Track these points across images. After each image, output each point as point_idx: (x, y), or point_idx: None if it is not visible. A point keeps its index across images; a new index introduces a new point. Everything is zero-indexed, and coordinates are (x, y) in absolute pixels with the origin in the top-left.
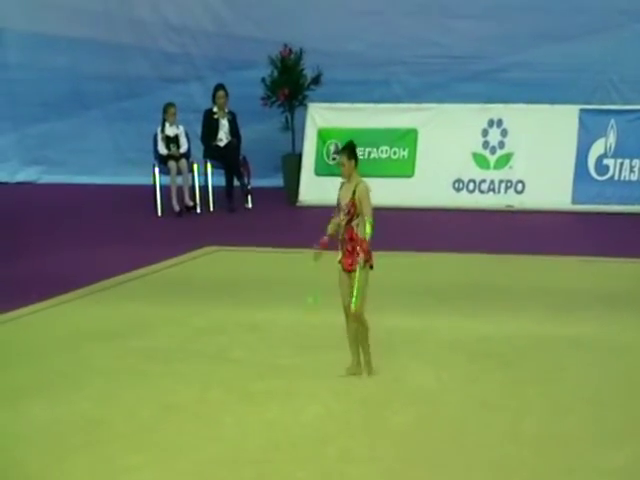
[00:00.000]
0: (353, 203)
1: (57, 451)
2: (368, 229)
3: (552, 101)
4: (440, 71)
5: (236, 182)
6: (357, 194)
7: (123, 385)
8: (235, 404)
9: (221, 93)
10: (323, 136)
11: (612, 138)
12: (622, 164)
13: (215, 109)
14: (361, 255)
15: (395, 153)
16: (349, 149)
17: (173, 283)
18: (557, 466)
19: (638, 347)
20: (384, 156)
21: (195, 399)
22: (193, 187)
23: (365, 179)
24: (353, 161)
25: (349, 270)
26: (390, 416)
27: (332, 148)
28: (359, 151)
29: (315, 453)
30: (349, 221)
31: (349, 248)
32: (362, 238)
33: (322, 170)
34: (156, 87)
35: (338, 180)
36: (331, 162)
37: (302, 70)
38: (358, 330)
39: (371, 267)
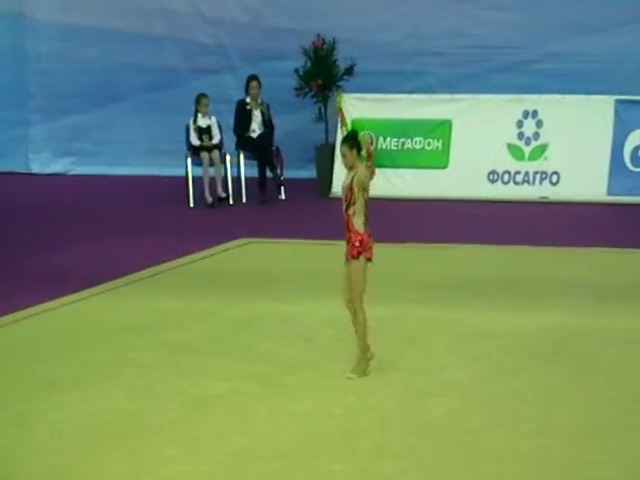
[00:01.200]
0: (351, 188)
1: (90, 442)
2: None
3: (587, 92)
4: (474, 62)
5: (269, 173)
6: (355, 180)
7: (156, 378)
8: (267, 397)
9: (254, 84)
10: (356, 127)
11: None
12: None
13: (248, 100)
14: (355, 248)
15: (429, 144)
16: (350, 139)
17: (205, 275)
18: (590, 459)
19: None
20: (418, 147)
21: (227, 392)
22: (226, 178)
23: (399, 170)
24: (355, 150)
25: (347, 260)
26: (424, 409)
27: (366, 139)
28: (393, 142)
29: (348, 446)
30: (346, 208)
31: (346, 237)
32: (356, 230)
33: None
34: (188, 78)
35: None
36: (364, 153)
37: (335, 61)
38: (353, 323)
39: (369, 260)
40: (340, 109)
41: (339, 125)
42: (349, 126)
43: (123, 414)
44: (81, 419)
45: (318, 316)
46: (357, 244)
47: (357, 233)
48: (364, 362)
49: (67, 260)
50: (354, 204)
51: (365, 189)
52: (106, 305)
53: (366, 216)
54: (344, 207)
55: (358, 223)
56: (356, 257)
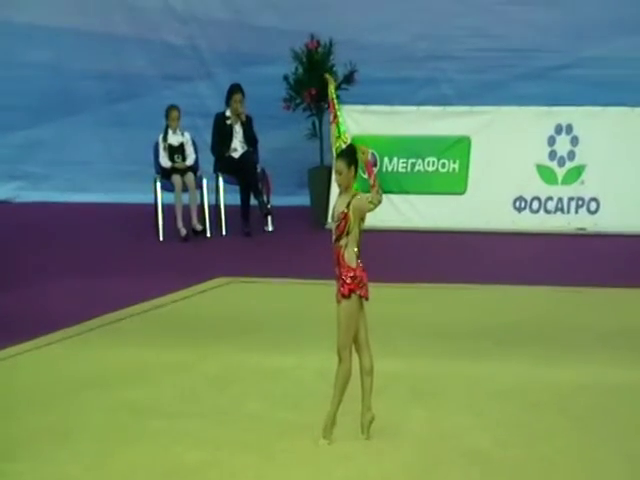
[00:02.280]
0: (346, 216)
1: None
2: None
3: (632, 103)
4: (497, 67)
5: (253, 200)
6: (352, 207)
7: (118, 444)
8: (251, 467)
9: (238, 97)
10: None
11: None
12: None
13: (228, 113)
14: (346, 285)
15: (444, 165)
16: (349, 154)
17: (178, 321)
18: None
19: None
20: (431, 169)
21: (203, 462)
22: (202, 206)
23: (408, 196)
24: (353, 168)
25: (337, 300)
26: None
27: (369, 159)
28: (401, 163)
29: None
30: (338, 238)
31: (337, 273)
32: (347, 264)
33: (357, 186)
34: (157, 86)
35: None
36: (364, 175)
37: (332, 66)
38: (336, 375)
39: (364, 298)
40: (332, 99)
41: (330, 123)
42: (343, 127)
43: None
44: None
45: (311, 370)
46: (348, 280)
47: (349, 268)
48: (332, 423)
49: (11, 304)
50: (348, 234)
51: (362, 218)
52: (58, 357)
53: (359, 247)
54: (334, 237)
55: (350, 256)
56: (347, 296)
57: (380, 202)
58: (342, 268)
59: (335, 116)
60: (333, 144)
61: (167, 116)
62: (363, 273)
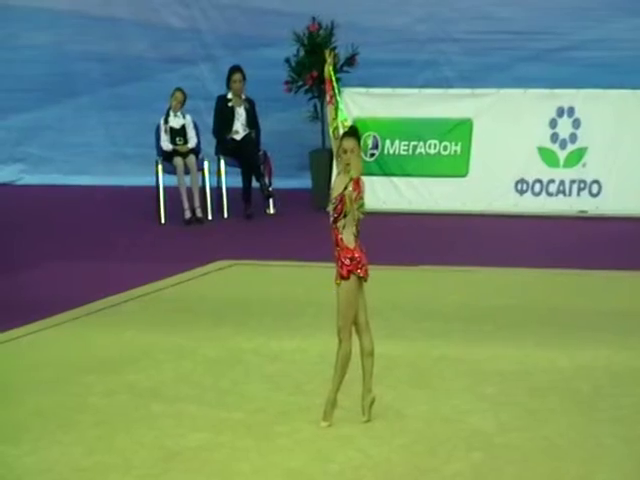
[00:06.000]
0: (342, 198)
1: None
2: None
3: (634, 86)
4: (499, 50)
5: (255, 183)
6: (349, 189)
7: (118, 427)
8: (252, 450)
9: (237, 76)
10: (359, 127)
11: None
12: None
13: (230, 95)
14: (344, 266)
15: (446, 148)
16: (357, 134)
17: (179, 305)
18: None
19: None
20: (432, 152)
21: (204, 444)
22: (203, 189)
23: (410, 179)
24: (360, 150)
25: (336, 282)
26: (440, 465)
27: (370, 142)
28: (403, 145)
29: None
30: (336, 220)
31: (335, 255)
32: (345, 245)
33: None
34: (158, 69)
35: (376, 180)
36: (368, 158)
37: (333, 49)
38: (337, 356)
39: (363, 279)
40: (330, 78)
41: (327, 103)
42: (343, 114)
43: (79, 471)
44: (29, 477)
45: (312, 353)
46: (347, 262)
47: (347, 249)
48: (332, 405)
49: (13, 286)
50: (345, 216)
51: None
52: (59, 340)
53: (357, 228)
54: (332, 219)
55: (348, 237)
56: (346, 277)
57: (360, 219)
58: (340, 250)
59: (332, 96)
60: (330, 124)
61: (171, 96)
62: (362, 254)
